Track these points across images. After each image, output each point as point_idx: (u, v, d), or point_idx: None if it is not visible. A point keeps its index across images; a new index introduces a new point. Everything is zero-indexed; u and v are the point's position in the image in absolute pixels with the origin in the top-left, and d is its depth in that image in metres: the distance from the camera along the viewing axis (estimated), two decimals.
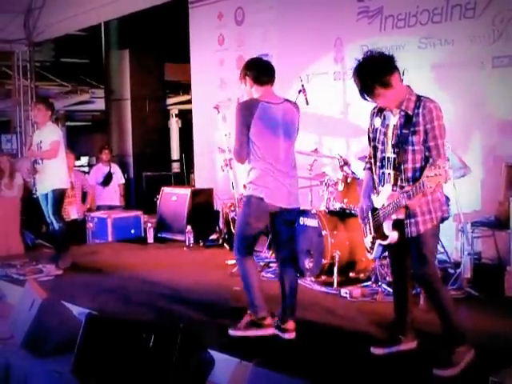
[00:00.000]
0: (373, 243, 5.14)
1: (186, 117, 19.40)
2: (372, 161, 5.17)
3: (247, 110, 5.64)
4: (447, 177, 4.45)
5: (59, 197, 8.88)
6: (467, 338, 4.92)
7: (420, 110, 4.78)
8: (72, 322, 6.05)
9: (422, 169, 4.69)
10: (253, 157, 5.68)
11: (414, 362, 5.03)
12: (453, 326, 4.93)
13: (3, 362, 5.85)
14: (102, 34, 15.54)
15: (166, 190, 11.42)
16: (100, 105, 16.88)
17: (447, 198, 7.29)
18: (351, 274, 7.45)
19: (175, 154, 20.43)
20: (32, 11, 14.09)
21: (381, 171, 5.04)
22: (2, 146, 18.40)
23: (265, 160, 5.65)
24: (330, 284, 7.26)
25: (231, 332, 5.79)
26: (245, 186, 5.94)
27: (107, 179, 12.78)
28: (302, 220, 7.75)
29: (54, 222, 8.83)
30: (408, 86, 4.94)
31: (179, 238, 10.59)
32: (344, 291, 6.93)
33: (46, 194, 8.80)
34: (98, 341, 5.17)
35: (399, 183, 4.87)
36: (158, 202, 11.34)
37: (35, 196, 9.03)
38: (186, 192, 10.97)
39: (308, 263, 7.60)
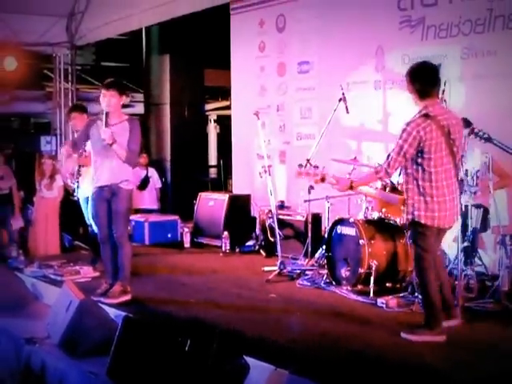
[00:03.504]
0: None
1: (224, 122, 19.43)
2: None
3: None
4: None
5: None
6: (438, 328, 5.69)
7: None
8: (108, 323, 6.10)
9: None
10: None
11: None
12: (429, 309, 5.78)
13: (39, 362, 5.92)
14: (143, 39, 15.63)
15: (203, 195, 11.46)
16: (139, 109, 16.94)
17: (486, 210, 7.28)
18: (388, 284, 7.40)
19: (213, 159, 20.45)
20: (74, 15, 14.22)
21: None
22: (41, 148, 18.63)
23: None
24: (367, 293, 7.21)
25: (106, 301, 6.93)
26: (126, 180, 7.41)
27: (144, 183, 12.81)
28: (340, 228, 7.73)
29: (94, 224, 8.87)
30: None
31: (215, 243, 10.63)
32: (380, 301, 6.89)
33: (87, 197, 8.84)
34: (134, 343, 5.21)
35: None
36: (195, 206, 11.38)
37: (74, 198, 9.06)
38: (223, 197, 11.00)
39: (345, 272, 7.57)
